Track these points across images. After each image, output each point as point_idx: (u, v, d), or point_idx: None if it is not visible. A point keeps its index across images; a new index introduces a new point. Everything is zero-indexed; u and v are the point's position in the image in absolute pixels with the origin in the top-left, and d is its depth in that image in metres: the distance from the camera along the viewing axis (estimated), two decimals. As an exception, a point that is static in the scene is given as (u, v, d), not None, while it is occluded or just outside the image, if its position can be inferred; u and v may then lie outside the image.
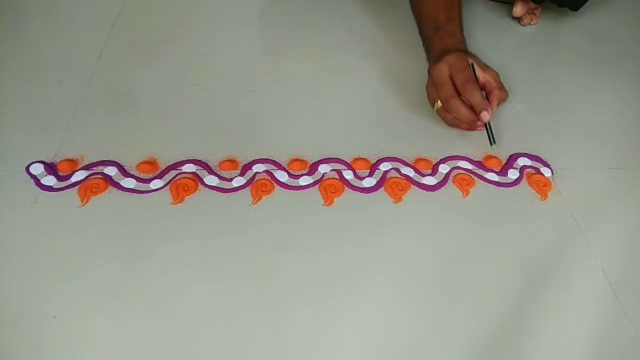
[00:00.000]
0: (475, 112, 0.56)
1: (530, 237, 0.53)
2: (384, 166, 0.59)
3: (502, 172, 0.60)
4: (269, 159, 0.58)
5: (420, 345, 0.44)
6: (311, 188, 0.56)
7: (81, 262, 0.47)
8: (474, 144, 0.63)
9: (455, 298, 0.48)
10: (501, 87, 0.59)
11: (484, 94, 0.59)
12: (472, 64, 0.58)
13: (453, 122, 0.60)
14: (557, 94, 0.73)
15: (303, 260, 0.49)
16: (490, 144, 0.58)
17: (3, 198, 0.51)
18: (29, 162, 0.54)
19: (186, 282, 0.46)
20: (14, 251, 0.47)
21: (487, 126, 0.58)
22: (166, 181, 0.54)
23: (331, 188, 0.56)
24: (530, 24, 0.86)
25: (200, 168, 0.56)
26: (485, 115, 0.55)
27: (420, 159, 0.60)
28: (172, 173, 0.55)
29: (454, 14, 0.65)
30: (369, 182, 0.57)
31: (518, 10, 0.84)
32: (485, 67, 0.59)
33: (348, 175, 0.57)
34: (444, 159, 0.60)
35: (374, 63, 0.75)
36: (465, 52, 0.61)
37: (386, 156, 0.60)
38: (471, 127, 0.60)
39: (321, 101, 0.67)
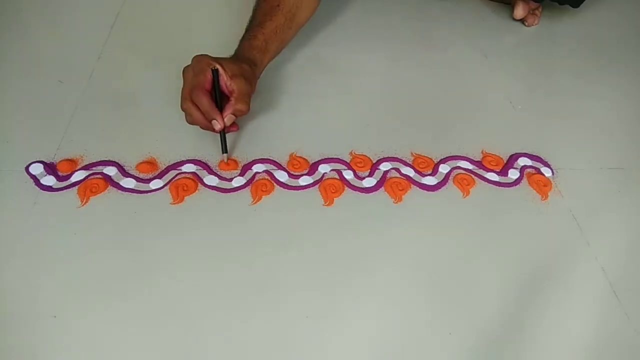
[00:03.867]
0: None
1: (531, 237, 0.53)
2: (384, 166, 0.59)
3: (503, 172, 0.60)
4: (269, 159, 0.58)
5: (420, 345, 0.44)
6: (311, 188, 0.56)
7: (81, 262, 0.47)
8: (474, 144, 0.63)
9: (455, 298, 0.48)
10: (241, 99, 0.55)
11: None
12: (217, 70, 0.54)
13: (192, 123, 0.57)
14: (557, 94, 0.73)
15: (303, 260, 0.49)
16: (222, 152, 0.56)
17: (3, 198, 0.51)
18: (29, 162, 0.54)
19: (186, 282, 0.46)
20: (14, 251, 0.47)
21: (220, 134, 0.56)
22: (166, 181, 0.54)
23: (331, 188, 0.56)
24: (533, 24, 0.86)
25: (200, 168, 0.56)
26: (215, 124, 0.54)
27: (421, 159, 0.60)
28: (172, 173, 0.55)
29: (268, 21, 0.62)
30: (369, 182, 0.57)
31: (519, 11, 0.84)
32: (237, 77, 0.55)
33: (348, 175, 0.57)
34: (444, 159, 0.60)
35: (374, 61, 0.75)
36: (242, 58, 0.58)
37: (386, 156, 0.60)
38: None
39: (321, 101, 0.67)
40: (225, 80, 0.55)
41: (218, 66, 0.54)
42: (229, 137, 0.59)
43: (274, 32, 0.62)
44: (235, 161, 0.57)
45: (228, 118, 0.55)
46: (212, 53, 0.73)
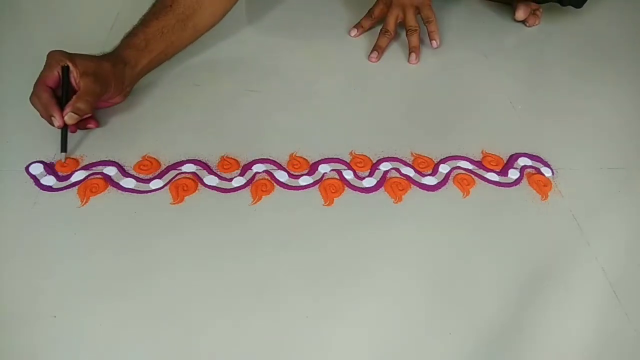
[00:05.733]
0: None
1: (531, 237, 0.53)
2: (384, 166, 0.59)
3: (503, 172, 0.60)
4: (269, 159, 0.58)
5: (420, 345, 0.44)
6: (311, 188, 0.56)
7: (81, 262, 0.47)
8: (474, 144, 0.63)
9: (455, 298, 0.48)
10: (82, 98, 0.54)
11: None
12: (67, 67, 0.54)
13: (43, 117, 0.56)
14: (557, 94, 0.73)
15: (303, 260, 0.49)
16: (61, 150, 0.55)
17: (3, 198, 0.51)
18: (29, 162, 0.54)
19: (186, 282, 0.46)
20: (14, 251, 0.47)
21: (61, 132, 0.55)
22: (166, 181, 0.54)
23: (331, 188, 0.56)
24: (534, 24, 0.86)
25: (200, 168, 0.56)
26: (54, 121, 0.53)
27: (421, 159, 0.60)
28: (172, 173, 0.55)
29: (154, 20, 0.61)
30: (369, 182, 0.57)
31: (520, 13, 0.84)
32: (87, 75, 0.54)
33: (348, 175, 0.57)
34: (444, 159, 0.60)
35: (374, 62, 0.75)
36: (111, 56, 0.58)
37: (386, 156, 0.60)
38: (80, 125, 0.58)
39: (321, 101, 0.67)
40: (73, 77, 0.55)
41: (68, 63, 0.54)
42: (231, 132, 0.58)
43: (159, 32, 0.61)
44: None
45: (68, 116, 0.53)
46: (213, 53, 0.73)
